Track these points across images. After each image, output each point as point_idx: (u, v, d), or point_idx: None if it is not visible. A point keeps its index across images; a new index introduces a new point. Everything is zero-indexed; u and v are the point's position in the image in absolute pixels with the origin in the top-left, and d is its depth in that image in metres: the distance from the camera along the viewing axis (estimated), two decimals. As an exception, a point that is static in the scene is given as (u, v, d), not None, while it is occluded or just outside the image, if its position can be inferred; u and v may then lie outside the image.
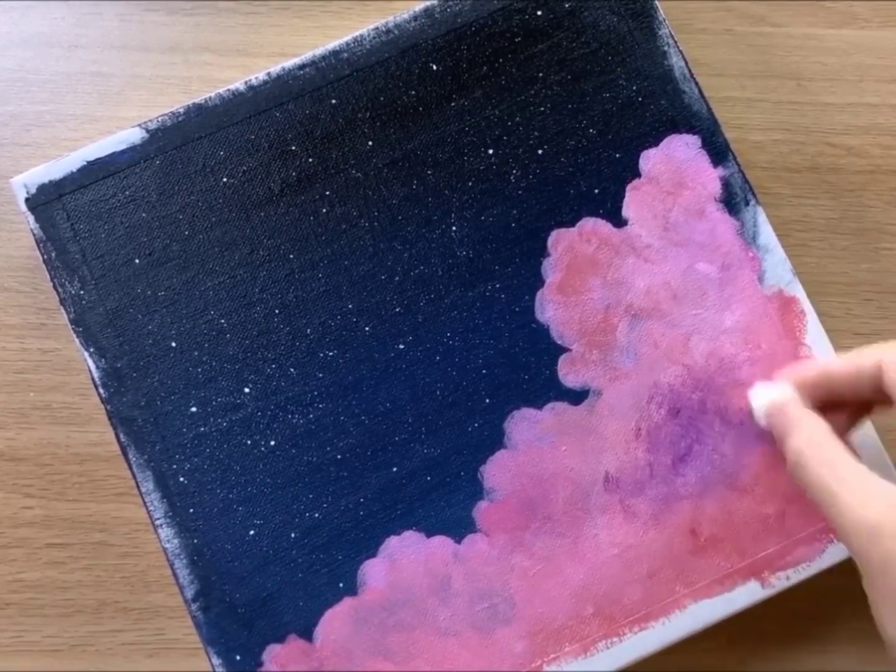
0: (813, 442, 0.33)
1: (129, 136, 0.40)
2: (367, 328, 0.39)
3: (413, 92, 0.40)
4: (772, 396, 0.35)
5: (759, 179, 0.44)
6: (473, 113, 0.40)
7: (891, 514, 0.29)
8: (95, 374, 0.38)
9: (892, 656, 0.30)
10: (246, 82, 0.40)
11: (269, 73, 0.40)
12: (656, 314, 0.40)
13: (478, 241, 0.40)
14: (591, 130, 0.41)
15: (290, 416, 0.39)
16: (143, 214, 0.39)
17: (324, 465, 0.38)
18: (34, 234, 0.39)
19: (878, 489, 0.30)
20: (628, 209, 0.40)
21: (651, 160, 0.40)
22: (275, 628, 0.37)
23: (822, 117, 0.45)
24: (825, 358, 0.35)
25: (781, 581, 0.38)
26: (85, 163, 0.39)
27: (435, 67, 0.41)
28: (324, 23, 0.45)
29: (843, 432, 0.34)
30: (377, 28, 0.41)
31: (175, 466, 0.38)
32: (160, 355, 0.39)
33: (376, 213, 0.40)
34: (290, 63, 0.40)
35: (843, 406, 0.35)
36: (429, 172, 0.40)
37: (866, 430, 0.39)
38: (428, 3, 0.41)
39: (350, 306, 0.39)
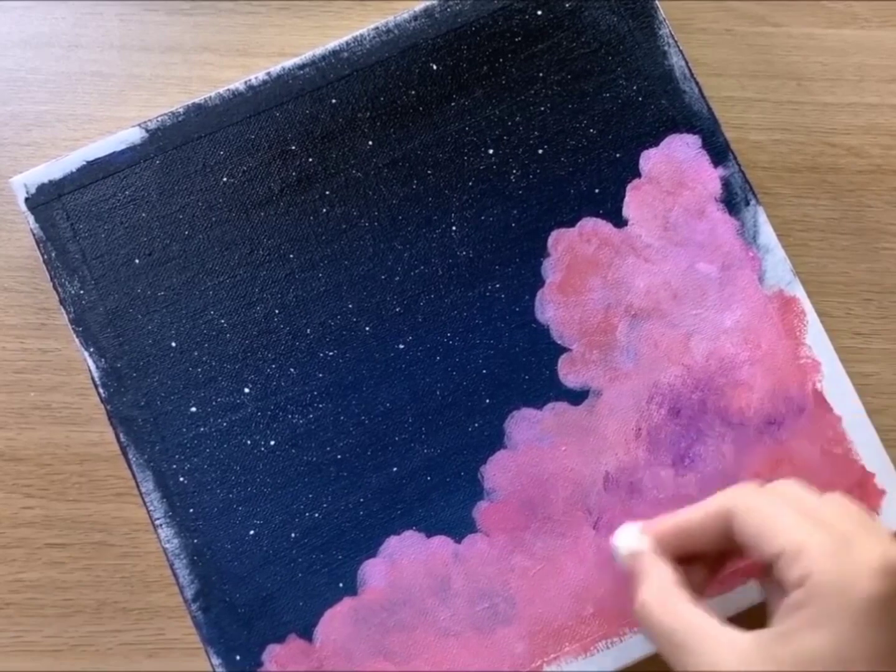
0: (658, 590, 0.32)
1: (128, 135, 0.40)
2: (367, 328, 0.39)
3: (413, 92, 0.40)
4: (629, 544, 0.35)
5: (760, 179, 0.44)
6: (473, 113, 0.40)
7: (732, 661, 0.29)
8: (95, 374, 0.38)
9: None
10: (246, 82, 0.40)
11: (269, 73, 0.40)
12: (656, 314, 0.40)
13: (478, 241, 0.40)
14: (591, 130, 0.41)
15: (289, 416, 0.39)
16: (143, 214, 0.39)
17: (324, 465, 0.38)
18: (34, 234, 0.39)
19: (722, 638, 0.30)
20: (628, 209, 0.40)
21: (651, 160, 0.40)
22: (275, 628, 0.37)
23: (822, 117, 0.45)
24: (681, 511, 0.34)
25: (781, 581, 0.38)
26: (85, 163, 0.39)
27: (435, 67, 0.41)
28: (324, 23, 0.45)
29: (702, 584, 0.34)
30: (377, 28, 0.41)
31: (175, 466, 0.38)
32: (160, 355, 0.39)
33: (376, 213, 0.40)
34: (290, 63, 0.40)
35: (702, 559, 0.34)
36: (429, 172, 0.40)
37: (866, 431, 0.39)
38: (428, 3, 0.41)
39: (350, 306, 0.39)
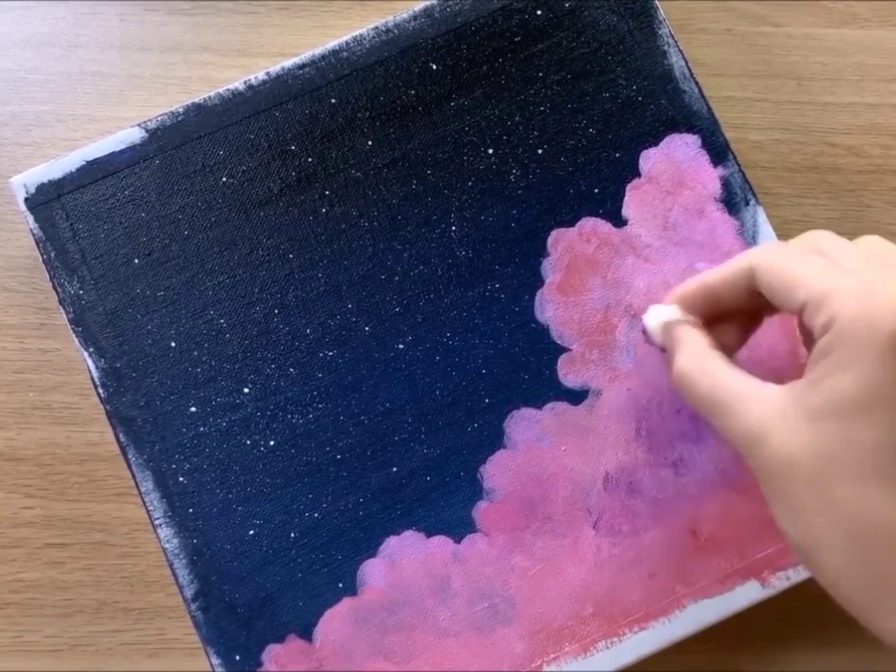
0: (696, 357, 0.33)
1: (128, 135, 0.40)
2: (366, 328, 0.39)
3: (413, 91, 0.40)
4: (661, 317, 0.35)
5: (759, 179, 0.44)
6: (473, 112, 0.40)
7: (768, 418, 0.30)
8: (95, 374, 0.38)
9: (797, 556, 0.30)
10: (246, 82, 0.40)
11: (268, 73, 0.40)
12: (656, 314, 0.40)
13: (478, 240, 0.40)
14: (591, 130, 0.41)
15: (289, 416, 0.39)
16: (143, 214, 0.39)
17: (323, 465, 0.38)
18: (34, 234, 0.39)
19: (757, 394, 0.30)
20: (628, 209, 0.40)
21: (651, 160, 0.40)
22: (274, 628, 0.37)
23: (822, 117, 0.45)
24: (705, 272, 0.35)
25: (781, 581, 0.38)
26: (84, 162, 0.39)
27: (435, 67, 0.41)
28: (324, 23, 0.45)
29: (735, 345, 0.35)
30: (377, 28, 0.41)
31: (175, 466, 0.38)
32: (160, 355, 0.39)
33: (376, 213, 0.40)
34: (289, 63, 0.40)
35: (735, 318, 0.35)
36: (428, 172, 0.40)
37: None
38: (428, 3, 0.41)
39: (350, 306, 0.39)
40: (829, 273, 0.30)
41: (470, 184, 0.40)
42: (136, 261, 0.39)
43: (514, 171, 0.40)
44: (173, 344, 0.39)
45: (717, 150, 0.40)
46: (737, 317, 0.35)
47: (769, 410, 0.30)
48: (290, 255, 0.40)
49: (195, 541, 0.38)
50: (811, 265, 0.31)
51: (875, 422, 0.28)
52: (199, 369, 0.39)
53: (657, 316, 0.35)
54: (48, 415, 0.42)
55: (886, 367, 0.27)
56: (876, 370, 0.28)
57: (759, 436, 0.30)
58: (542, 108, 0.41)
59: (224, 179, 0.40)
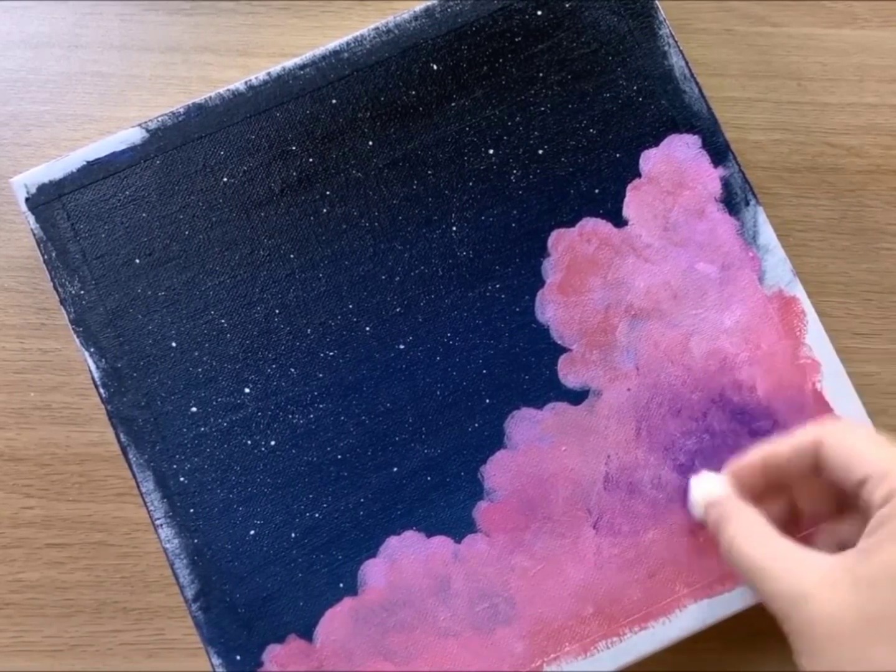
0: (745, 528, 0.34)
1: (129, 136, 0.40)
2: (367, 328, 0.39)
3: (413, 92, 0.40)
4: (710, 491, 0.36)
5: (759, 179, 0.44)
6: (474, 113, 0.40)
7: (817, 580, 0.30)
8: (95, 374, 0.38)
9: None
10: (246, 82, 0.40)
11: (269, 73, 0.40)
12: (656, 314, 0.40)
13: (478, 241, 0.40)
14: (591, 130, 0.41)
15: (290, 416, 0.39)
16: (144, 214, 0.39)
17: (324, 465, 0.38)
18: (34, 234, 0.39)
19: (808, 560, 0.31)
20: (628, 209, 0.40)
21: (651, 160, 0.40)
22: (275, 628, 0.37)
23: (822, 117, 0.45)
24: (766, 444, 0.35)
25: (781, 581, 0.38)
26: (85, 163, 0.39)
27: (435, 67, 0.41)
28: (324, 23, 0.45)
29: (788, 519, 0.36)
30: (377, 28, 0.41)
31: (175, 466, 0.38)
32: (160, 355, 0.39)
33: (376, 213, 0.40)
34: (290, 63, 0.40)
35: (791, 491, 0.36)
36: (429, 172, 0.40)
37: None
38: (428, 3, 0.41)
39: (350, 306, 0.39)
40: (891, 451, 0.32)
41: (470, 184, 0.40)
42: (137, 261, 0.39)
43: (514, 171, 0.40)
44: (174, 344, 0.39)
45: (718, 151, 0.41)
46: (785, 495, 0.36)
47: (815, 573, 0.31)
48: (291, 256, 0.40)
49: (196, 541, 0.38)
50: (875, 443, 0.32)
51: None
52: (199, 369, 0.39)
53: (705, 489, 0.36)
54: (48, 415, 0.42)
55: None
56: None
57: (802, 596, 0.30)
58: (542, 109, 0.41)
59: (225, 179, 0.40)
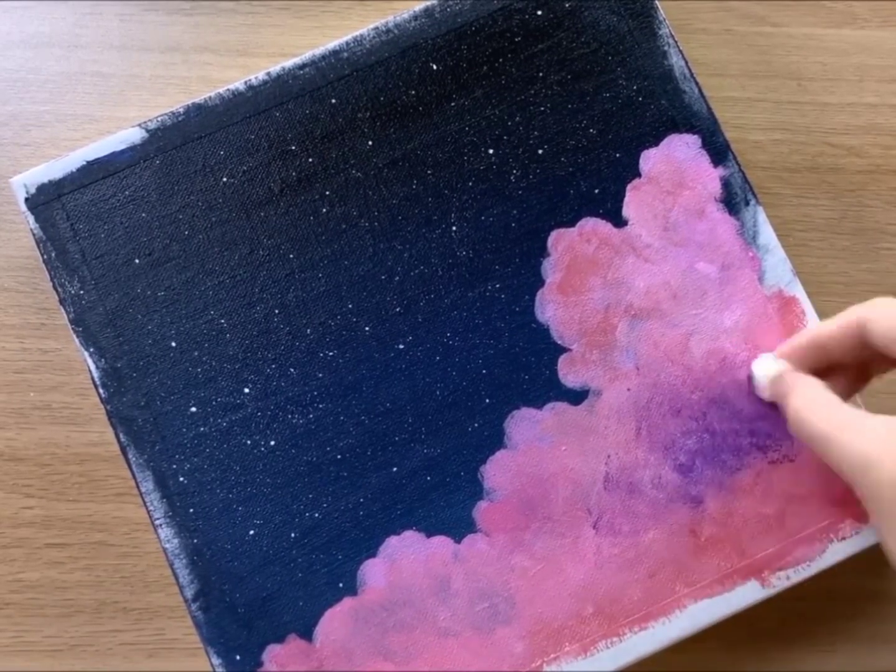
0: (808, 397, 0.35)
1: (129, 135, 0.40)
2: (367, 328, 0.39)
3: (413, 92, 0.40)
4: (770, 368, 0.37)
5: (759, 179, 0.44)
6: (473, 113, 0.40)
7: (880, 446, 0.31)
8: (95, 374, 0.38)
9: None
10: (246, 82, 0.40)
11: (269, 73, 0.40)
12: (656, 314, 0.40)
13: (478, 241, 0.40)
14: (591, 130, 0.41)
15: (289, 416, 0.39)
16: (143, 214, 0.39)
17: (324, 465, 0.38)
18: (34, 234, 0.39)
19: (871, 424, 0.32)
20: (628, 209, 0.40)
21: (651, 160, 0.40)
22: (275, 628, 0.37)
23: (822, 117, 0.45)
24: (813, 327, 0.36)
25: (781, 581, 0.38)
26: (85, 163, 0.39)
27: (435, 67, 0.41)
28: (324, 23, 0.45)
29: (845, 397, 0.36)
30: (377, 28, 0.41)
31: (175, 466, 0.38)
32: (160, 355, 0.39)
33: (376, 213, 0.40)
34: (290, 63, 0.40)
35: (844, 371, 0.37)
36: (429, 172, 0.40)
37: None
38: (428, 3, 0.41)
39: (350, 306, 0.39)
40: None
41: (470, 184, 0.40)
42: (137, 261, 0.39)
43: (514, 171, 0.40)
44: (174, 344, 0.39)
45: (718, 151, 0.40)
46: (845, 371, 0.37)
47: (880, 438, 0.31)
48: (291, 256, 0.40)
49: (195, 541, 0.38)
50: None
51: None
52: (199, 369, 0.39)
53: (765, 368, 0.38)
54: (48, 415, 0.42)
55: None
56: None
57: (871, 460, 0.31)
58: (542, 109, 0.41)
59: (224, 179, 0.40)
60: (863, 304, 0.35)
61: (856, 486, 0.32)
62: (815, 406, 0.34)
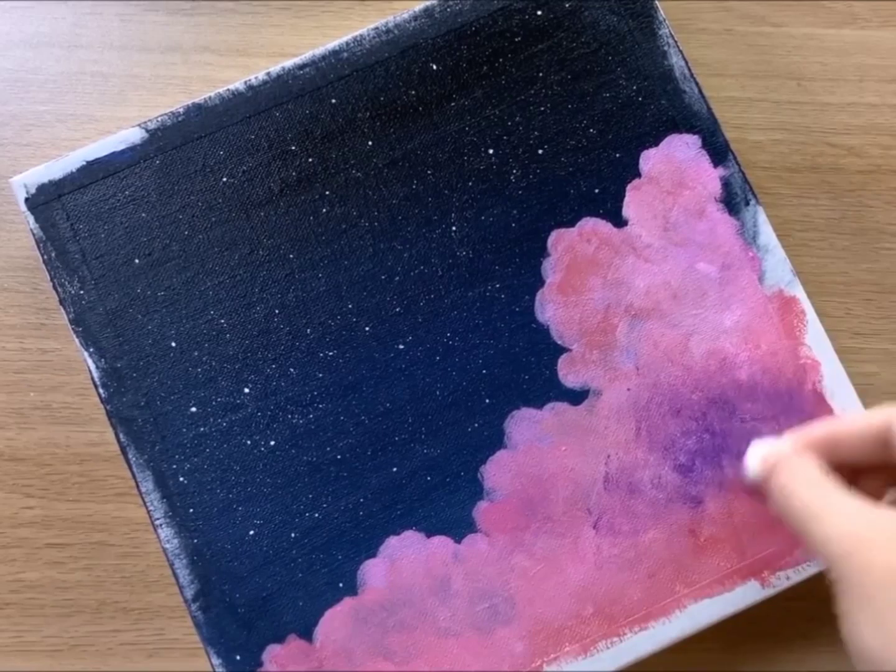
0: (800, 471, 0.33)
1: (129, 136, 0.40)
2: (367, 328, 0.39)
3: (413, 92, 0.40)
4: (764, 452, 0.35)
5: (759, 179, 0.44)
6: (473, 113, 0.40)
7: (873, 530, 0.30)
8: (95, 374, 0.38)
9: (858, 663, 0.30)
10: (246, 82, 0.40)
11: (269, 73, 0.40)
12: (656, 314, 0.40)
13: (478, 241, 0.40)
14: (591, 130, 0.41)
15: (289, 416, 0.39)
16: (143, 214, 0.39)
17: (324, 465, 0.38)
18: (34, 234, 0.39)
19: (864, 509, 0.31)
20: (628, 209, 0.40)
21: (651, 160, 0.40)
22: (275, 628, 0.37)
23: (822, 117, 0.45)
24: (835, 419, 0.34)
25: (781, 581, 0.38)
26: (85, 163, 0.39)
27: (435, 67, 0.41)
28: (324, 23, 0.45)
29: (877, 497, 0.34)
30: (377, 28, 0.41)
31: (175, 466, 0.38)
32: (160, 355, 0.39)
33: (376, 213, 0.40)
34: (290, 63, 0.40)
35: (876, 473, 0.35)
36: (429, 172, 0.40)
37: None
38: (428, 3, 0.41)
39: (350, 306, 0.39)
40: None
41: (470, 184, 0.40)
42: (137, 261, 0.39)
43: (514, 171, 0.40)
44: (174, 344, 0.39)
45: (718, 151, 0.40)
46: (878, 473, 0.35)
47: (875, 523, 0.30)
48: (291, 256, 0.40)
49: (195, 541, 0.38)
50: None
51: None
52: (199, 369, 0.39)
53: (759, 450, 0.35)
54: (48, 415, 0.42)
55: None
56: None
57: (862, 542, 0.30)
58: (542, 109, 0.41)
59: (224, 179, 0.40)
60: (890, 406, 0.34)
61: (836, 566, 0.30)
62: (807, 481, 0.32)
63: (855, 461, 0.34)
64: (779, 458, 0.34)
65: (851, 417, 0.34)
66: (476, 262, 0.40)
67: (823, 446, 0.34)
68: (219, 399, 0.39)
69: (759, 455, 0.35)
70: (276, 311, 0.39)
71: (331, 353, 0.39)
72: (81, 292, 0.39)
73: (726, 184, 0.40)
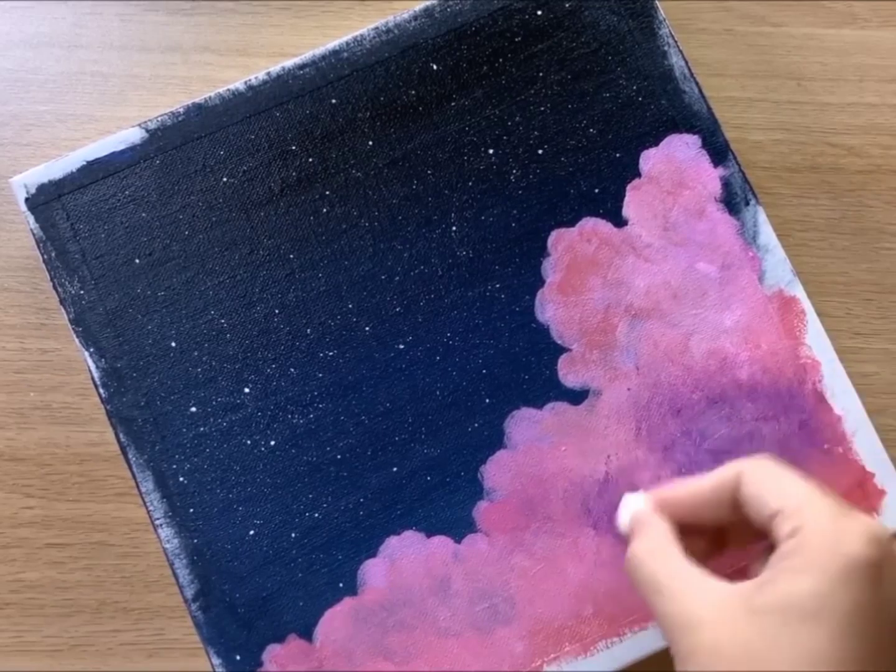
0: (651, 540, 0.33)
1: (129, 135, 0.40)
2: (367, 328, 0.39)
3: (413, 92, 0.40)
4: (632, 506, 0.35)
5: (759, 179, 0.44)
6: (473, 113, 0.40)
7: (709, 609, 0.29)
8: (95, 374, 0.38)
9: None
10: (246, 82, 0.40)
11: (269, 73, 0.40)
12: (656, 314, 0.40)
13: (478, 241, 0.40)
14: (591, 130, 0.41)
15: (290, 416, 0.39)
16: (143, 214, 0.39)
17: (324, 465, 0.38)
18: (34, 234, 0.39)
19: (704, 586, 0.30)
20: (628, 209, 0.40)
21: (651, 160, 0.40)
22: (275, 628, 0.37)
23: (822, 117, 0.45)
24: (690, 480, 0.34)
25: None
26: (85, 163, 0.39)
27: (435, 67, 0.41)
28: (324, 23, 0.45)
29: (704, 558, 0.33)
30: (377, 28, 0.41)
31: (175, 466, 0.38)
32: (160, 355, 0.39)
33: (376, 213, 0.40)
34: (290, 63, 0.40)
35: (702, 534, 0.34)
36: (429, 172, 0.40)
37: (866, 431, 0.39)
38: (428, 3, 0.41)
39: (350, 306, 0.39)
40: (807, 489, 0.31)
41: (470, 184, 0.40)
42: (137, 261, 0.39)
43: (514, 171, 0.40)
44: (174, 344, 0.39)
45: (718, 150, 0.40)
46: (704, 532, 0.34)
47: (709, 600, 0.30)
48: (291, 256, 0.40)
49: (195, 541, 0.38)
50: (794, 480, 0.31)
51: (818, 632, 0.27)
52: (199, 369, 0.39)
53: (628, 504, 0.35)
54: (48, 415, 0.42)
55: (846, 587, 0.28)
56: (835, 587, 0.28)
57: (692, 622, 0.29)
58: (542, 109, 0.41)
59: (225, 179, 0.40)
60: (741, 459, 0.33)
61: (672, 643, 0.30)
62: (655, 552, 0.32)
63: (714, 521, 0.34)
64: (636, 519, 0.34)
65: (706, 476, 0.33)
66: (476, 261, 0.40)
67: (680, 507, 0.34)
68: (219, 399, 0.39)
69: (627, 511, 0.35)
70: (276, 311, 0.39)
71: (331, 353, 0.39)
72: (81, 292, 0.39)
73: (726, 184, 0.40)
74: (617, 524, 0.35)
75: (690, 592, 0.30)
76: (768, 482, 0.31)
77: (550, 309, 0.40)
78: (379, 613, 0.37)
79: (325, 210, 0.40)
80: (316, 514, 0.38)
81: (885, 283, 0.44)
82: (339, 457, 0.38)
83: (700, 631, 0.29)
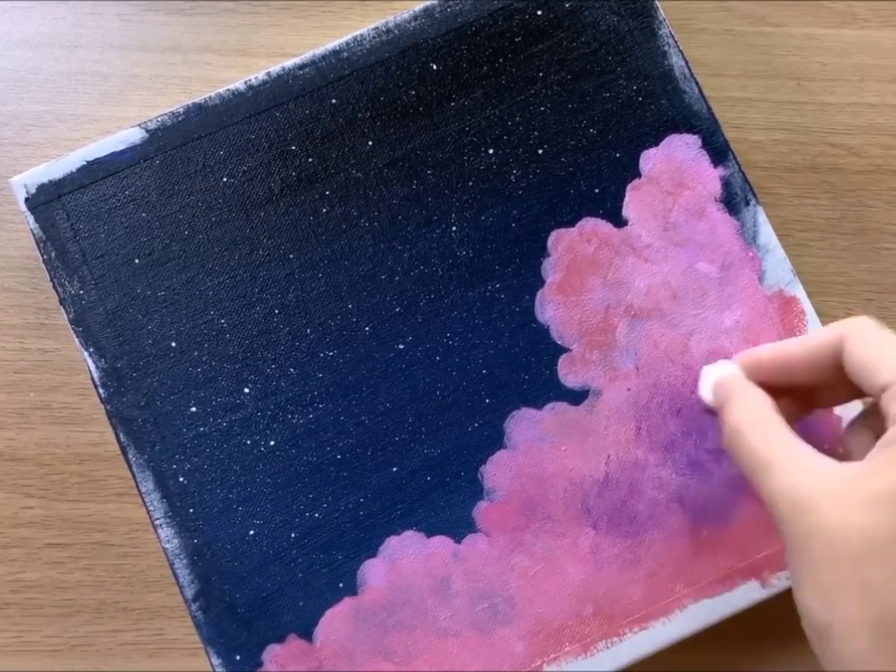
0: (753, 412, 0.31)
1: (129, 135, 0.40)
2: (367, 328, 0.39)
3: (413, 92, 0.40)
4: (718, 373, 0.34)
5: (759, 179, 0.44)
6: (474, 113, 0.40)
7: (822, 489, 0.28)
8: (95, 374, 0.38)
9: (805, 627, 0.28)
10: (246, 82, 0.40)
11: (269, 73, 0.40)
12: (656, 314, 0.40)
13: (478, 241, 0.40)
14: (591, 130, 0.41)
15: (289, 416, 0.39)
16: (143, 214, 0.39)
17: (324, 465, 0.38)
18: (34, 234, 0.39)
19: (814, 464, 0.29)
20: (628, 209, 0.40)
21: (651, 160, 0.40)
22: (275, 628, 0.37)
23: (822, 117, 0.45)
24: (784, 342, 0.33)
25: (781, 581, 0.38)
26: (85, 163, 0.39)
27: (435, 67, 0.41)
28: (324, 23, 0.45)
29: (790, 420, 0.32)
30: (377, 28, 0.41)
31: (175, 466, 0.38)
32: (160, 355, 0.39)
33: (376, 213, 0.40)
34: (290, 63, 0.40)
35: (792, 394, 0.33)
36: (429, 172, 0.40)
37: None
38: (428, 3, 0.41)
39: (350, 306, 0.39)
40: None
41: (470, 184, 0.40)
42: (137, 261, 0.39)
43: (514, 171, 0.40)
44: (174, 344, 0.39)
45: (718, 151, 0.40)
46: (795, 393, 0.33)
47: (824, 481, 0.28)
48: (291, 256, 0.40)
49: (195, 541, 0.38)
50: None
51: None
52: (199, 369, 0.39)
53: (713, 372, 0.34)
54: (48, 415, 0.42)
55: None
56: None
57: (809, 503, 0.28)
58: (542, 109, 0.41)
59: (224, 179, 0.40)
60: (844, 321, 0.31)
61: (782, 523, 0.29)
62: (759, 425, 0.30)
63: (808, 383, 0.32)
64: (730, 388, 0.32)
65: (803, 338, 0.32)
66: (476, 262, 0.40)
67: (775, 369, 0.33)
68: (219, 399, 0.39)
69: (710, 382, 0.34)
70: (276, 311, 0.39)
71: (331, 353, 0.39)
72: (81, 292, 0.39)
73: (726, 184, 0.40)
74: (699, 396, 0.34)
75: (803, 471, 0.29)
76: (876, 350, 0.30)
77: (550, 309, 0.40)
78: (379, 613, 0.37)
79: (324, 210, 0.40)
80: (316, 514, 0.38)
81: (885, 283, 0.44)
82: (339, 457, 0.38)
83: (819, 513, 0.27)
